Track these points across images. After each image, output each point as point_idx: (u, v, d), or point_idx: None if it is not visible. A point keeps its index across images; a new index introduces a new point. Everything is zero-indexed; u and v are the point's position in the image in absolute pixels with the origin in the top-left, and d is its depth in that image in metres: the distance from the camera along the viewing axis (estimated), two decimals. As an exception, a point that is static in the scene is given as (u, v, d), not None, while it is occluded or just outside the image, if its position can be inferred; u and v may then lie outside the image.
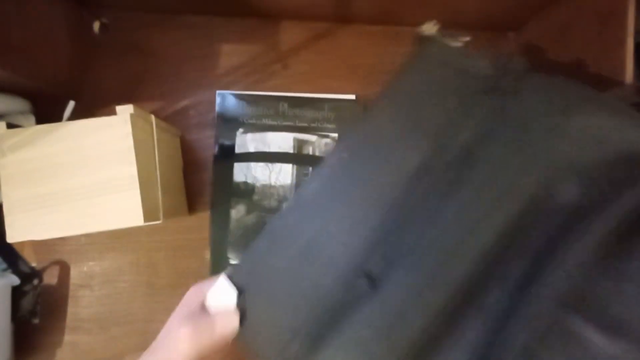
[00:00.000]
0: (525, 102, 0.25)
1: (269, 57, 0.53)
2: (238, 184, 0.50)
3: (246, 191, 0.50)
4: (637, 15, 0.35)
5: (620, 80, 0.35)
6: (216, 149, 0.51)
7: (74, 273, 0.49)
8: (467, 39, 0.31)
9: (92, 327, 0.48)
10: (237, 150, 0.51)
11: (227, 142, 0.51)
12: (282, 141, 0.51)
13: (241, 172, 0.50)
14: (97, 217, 0.36)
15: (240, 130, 0.51)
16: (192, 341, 0.26)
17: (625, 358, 0.19)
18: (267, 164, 0.50)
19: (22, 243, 0.48)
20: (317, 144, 0.51)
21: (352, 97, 0.52)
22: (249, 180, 0.50)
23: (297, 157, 0.51)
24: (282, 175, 0.50)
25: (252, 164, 0.50)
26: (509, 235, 0.22)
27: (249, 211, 0.50)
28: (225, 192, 0.50)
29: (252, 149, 0.51)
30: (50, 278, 0.49)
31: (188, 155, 0.51)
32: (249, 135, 0.51)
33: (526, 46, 0.52)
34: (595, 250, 0.20)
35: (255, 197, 0.50)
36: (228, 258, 0.50)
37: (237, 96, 0.51)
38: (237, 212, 0.50)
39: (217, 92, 0.51)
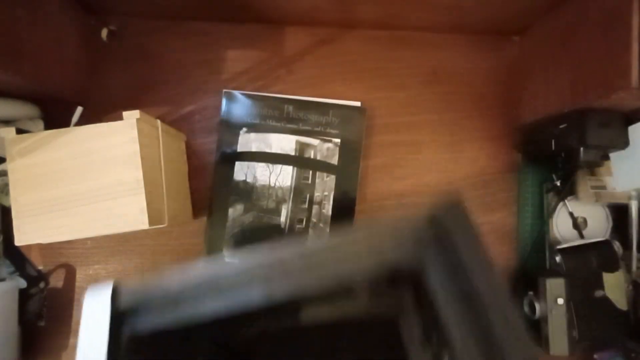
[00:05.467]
0: None
1: (274, 62, 0.53)
2: (238, 182, 0.50)
3: (245, 190, 0.50)
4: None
5: (626, 84, 0.35)
6: (219, 145, 0.51)
7: (79, 276, 0.50)
8: None
9: (98, 330, 0.49)
10: (239, 148, 0.51)
11: (230, 140, 0.51)
12: (284, 143, 0.51)
13: (242, 171, 0.50)
14: (103, 220, 0.36)
15: (244, 129, 0.51)
16: None
17: None
18: (267, 165, 0.51)
19: (29, 246, 0.49)
20: (319, 147, 0.51)
21: (358, 104, 0.52)
22: (249, 180, 0.50)
23: (298, 160, 0.51)
24: (282, 176, 0.51)
25: (253, 164, 0.50)
26: None
27: (246, 210, 0.50)
28: (225, 189, 0.50)
29: (254, 149, 0.51)
30: (57, 281, 0.50)
31: (193, 160, 0.51)
32: (252, 135, 0.51)
33: (530, 50, 0.52)
34: None
35: (254, 197, 0.50)
36: (223, 255, 0.50)
37: (244, 95, 0.51)
38: (235, 210, 0.50)
39: (224, 90, 0.51)
